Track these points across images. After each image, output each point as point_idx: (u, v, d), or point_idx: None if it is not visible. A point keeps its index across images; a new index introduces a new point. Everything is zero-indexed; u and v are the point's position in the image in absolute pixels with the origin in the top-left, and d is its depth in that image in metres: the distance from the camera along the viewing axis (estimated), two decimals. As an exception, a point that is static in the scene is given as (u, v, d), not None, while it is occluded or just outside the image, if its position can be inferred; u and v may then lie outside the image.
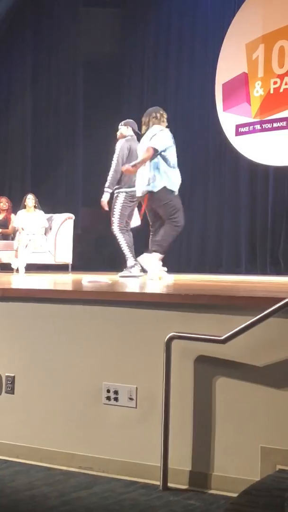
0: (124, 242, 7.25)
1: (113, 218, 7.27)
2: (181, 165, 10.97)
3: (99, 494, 3.30)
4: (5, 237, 10.04)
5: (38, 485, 3.42)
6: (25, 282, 6.15)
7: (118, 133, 7.66)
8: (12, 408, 3.99)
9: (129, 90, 11.70)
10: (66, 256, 9.60)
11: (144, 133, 6.89)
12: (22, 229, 9.43)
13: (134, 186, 7.00)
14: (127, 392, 3.65)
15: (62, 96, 11.83)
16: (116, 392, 3.68)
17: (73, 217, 9.85)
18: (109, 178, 7.32)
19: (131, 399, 3.64)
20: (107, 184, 7.30)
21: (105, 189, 7.28)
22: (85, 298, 3.94)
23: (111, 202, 7.31)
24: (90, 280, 5.52)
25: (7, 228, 10.16)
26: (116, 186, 7.34)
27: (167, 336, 3.45)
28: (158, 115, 6.98)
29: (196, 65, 10.90)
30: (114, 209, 7.30)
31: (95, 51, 11.47)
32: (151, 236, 6.77)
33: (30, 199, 9.69)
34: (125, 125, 7.70)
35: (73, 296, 4.02)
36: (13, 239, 9.72)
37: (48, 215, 9.76)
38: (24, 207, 9.73)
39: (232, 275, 8.80)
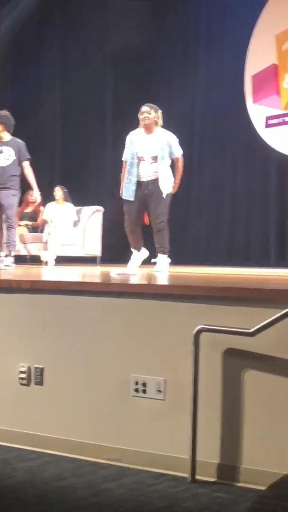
0: None
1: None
2: (211, 157, 11.02)
3: (128, 485, 3.31)
4: (35, 229, 10.10)
5: (67, 476, 3.44)
6: (54, 274, 6.17)
7: None
8: (41, 399, 4.02)
9: (158, 83, 11.66)
10: (94, 248, 9.63)
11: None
12: (51, 222, 9.48)
13: None
14: (155, 384, 3.65)
15: (91, 89, 11.84)
16: (144, 384, 3.68)
17: (102, 210, 9.86)
18: None
19: (159, 391, 3.64)
20: None
21: None
22: (114, 290, 3.95)
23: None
24: (119, 272, 5.52)
25: (36, 221, 10.22)
26: None
27: (196, 329, 3.44)
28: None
29: (225, 57, 10.83)
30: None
31: (124, 44, 11.43)
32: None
33: (58, 192, 9.74)
34: None
35: (102, 289, 4.03)
36: (42, 231, 9.77)
37: (77, 208, 9.79)
38: (54, 199, 9.78)
39: (260, 267, 8.74)
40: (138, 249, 6.93)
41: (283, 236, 10.03)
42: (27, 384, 4.05)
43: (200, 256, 10.74)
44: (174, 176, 6.84)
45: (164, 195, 6.67)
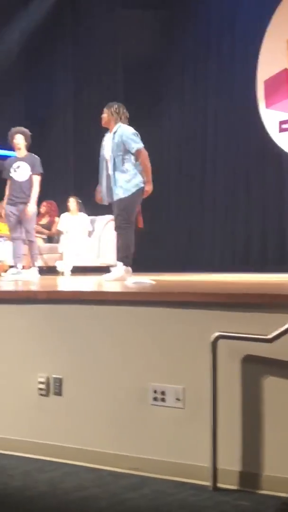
0: None
1: None
2: (224, 163, 11.02)
3: (149, 495, 3.29)
4: (50, 240, 10.14)
5: (87, 486, 3.43)
6: (70, 284, 6.18)
7: None
8: (60, 409, 4.01)
9: (170, 90, 11.71)
10: (110, 258, 9.63)
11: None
12: (66, 232, 9.52)
13: None
14: (174, 393, 3.64)
15: (103, 99, 11.76)
16: (163, 393, 3.67)
17: (116, 219, 9.85)
18: None
19: (178, 399, 3.63)
20: None
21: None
22: (130, 299, 3.95)
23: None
24: (134, 281, 5.52)
25: (51, 231, 10.28)
26: None
27: (213, 336, 3.43)
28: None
29: (236, 63, 10.85)
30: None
31: (134, 54, 11.48)
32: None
33: (72, 202, 9.80)
34: None
35: (118, 298, 4.03)
36: (57, 242, 9.81)
37: (92, 217, 9.81)
38: (68, 210, 9.83)
39: (276, 273, 8.70)
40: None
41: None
42: (46, 395, 4.05)
43: (216, 263, 10.73)
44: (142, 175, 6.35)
45: (118, 198, 6.27)
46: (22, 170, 7.74)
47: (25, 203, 7.68)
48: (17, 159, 7.83)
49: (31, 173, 7.73)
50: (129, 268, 6.30)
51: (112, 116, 6.44)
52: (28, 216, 7.71)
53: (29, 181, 7.72)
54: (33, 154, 7.88)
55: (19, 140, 7.81)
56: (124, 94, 11.66)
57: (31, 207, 7.71)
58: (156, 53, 11.63)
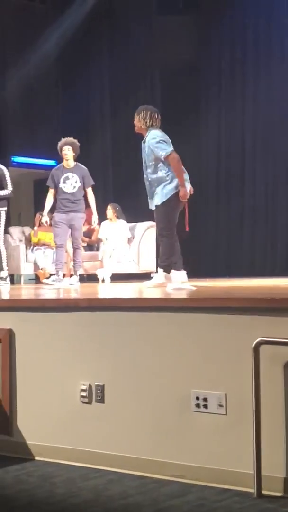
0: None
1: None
2: (263, 167, 10.96)
3: (193, 502, 3.28)
4: (90, 248, 10.18)
5: (131, 493, 3.43)
6: (111, 292, 6.19)
7: None
8: (103, 417, 4.02)
9: (208, 97, 11.70)
10: (149, 264, 9.64)
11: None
12: (106, 240, 9.56)
13: None
14: (216, 399, 3.62)
15: (140, 104, 11.92)
16: (205, 399, 3.65)
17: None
18: None
19: (220, 406, 3.61)
20: None
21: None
22: (171, 305, 3.94)
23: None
24: (175, 287, 5.51)
25: (91, 238, 10.33)
26: None
27: (255, 341, 3.41)
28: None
29: (274, 66, 10.80)
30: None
31: (171, 61, 11.49)
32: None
33: (109, 210, 9.84)
34: None
35: (159, 304, 4.03)
36: (97, 249, 9.85)
37: (131, 224, 9.82)
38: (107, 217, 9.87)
39: None
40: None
41: None
42: (89, 402, 4.06)
43: (256, 268, 10.67)
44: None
45: (156, 205, 6.24)
46: (71, 182, 7.86)
47: (76, 212, 7.82)
48: (65, 170, 7.92)
49: (80, 184, 7.87)
50: (170, 275, 6.25)
51: (140, 122, 6.29)
52: (94, 225, 8.08)
53: (79, 192, 7.86)
54: (79, 164, 7.98)
55: (67, 151, 7.91)
56: (161, 100, 11.70)
57: (95, 218, 8.06)
58: (193, 60, 11.63)
